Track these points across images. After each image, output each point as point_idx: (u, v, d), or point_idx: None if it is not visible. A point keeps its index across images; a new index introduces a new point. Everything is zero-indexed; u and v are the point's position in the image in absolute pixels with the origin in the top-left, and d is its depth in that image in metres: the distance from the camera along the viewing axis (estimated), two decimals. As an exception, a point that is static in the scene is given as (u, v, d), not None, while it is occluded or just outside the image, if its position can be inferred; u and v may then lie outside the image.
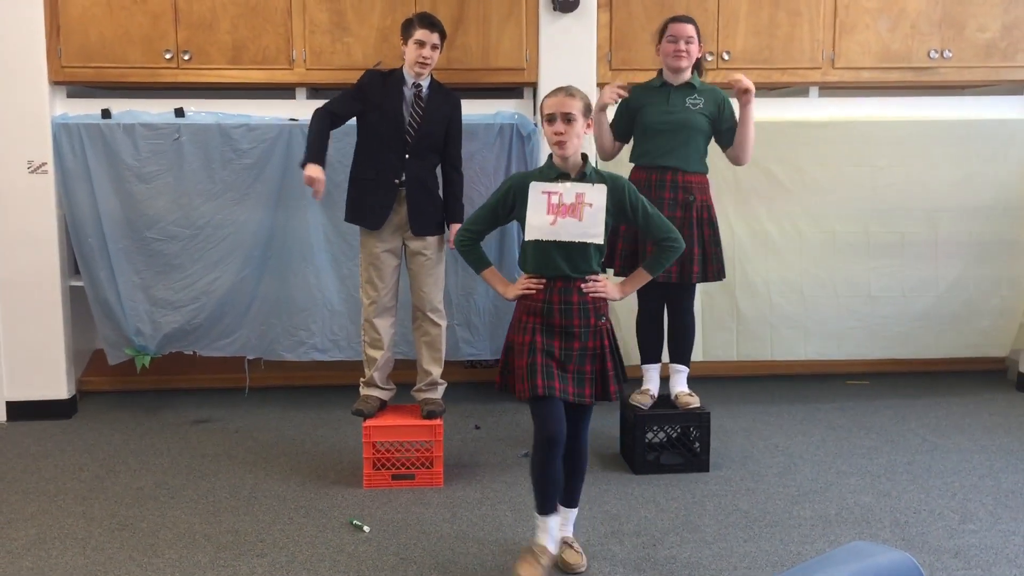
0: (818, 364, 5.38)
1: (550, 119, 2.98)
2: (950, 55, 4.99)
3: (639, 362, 4.22)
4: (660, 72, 4.05)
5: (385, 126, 3.95)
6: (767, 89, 5.18)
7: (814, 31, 4.91)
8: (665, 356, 4.20)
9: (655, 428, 4.11)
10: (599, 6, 4.80)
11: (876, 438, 4.49)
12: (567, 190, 2.99)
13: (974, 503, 3.70)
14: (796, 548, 3.31)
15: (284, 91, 4.83)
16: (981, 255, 5.15)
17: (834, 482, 3.93)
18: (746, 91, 3.88)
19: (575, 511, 3.24)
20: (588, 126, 3.04)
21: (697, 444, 4.08)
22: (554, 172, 3.03)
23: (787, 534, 3.43)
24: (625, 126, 4.10)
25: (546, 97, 3.03)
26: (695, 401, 4.09)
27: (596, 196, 2.99)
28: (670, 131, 3.93)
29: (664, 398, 4.16)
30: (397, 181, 3.93)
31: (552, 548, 3.10)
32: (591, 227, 2.97)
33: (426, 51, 3.93)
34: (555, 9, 4.73)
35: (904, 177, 5.06)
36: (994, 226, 5.14)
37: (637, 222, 3.10)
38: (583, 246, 2.99)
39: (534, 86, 4.87)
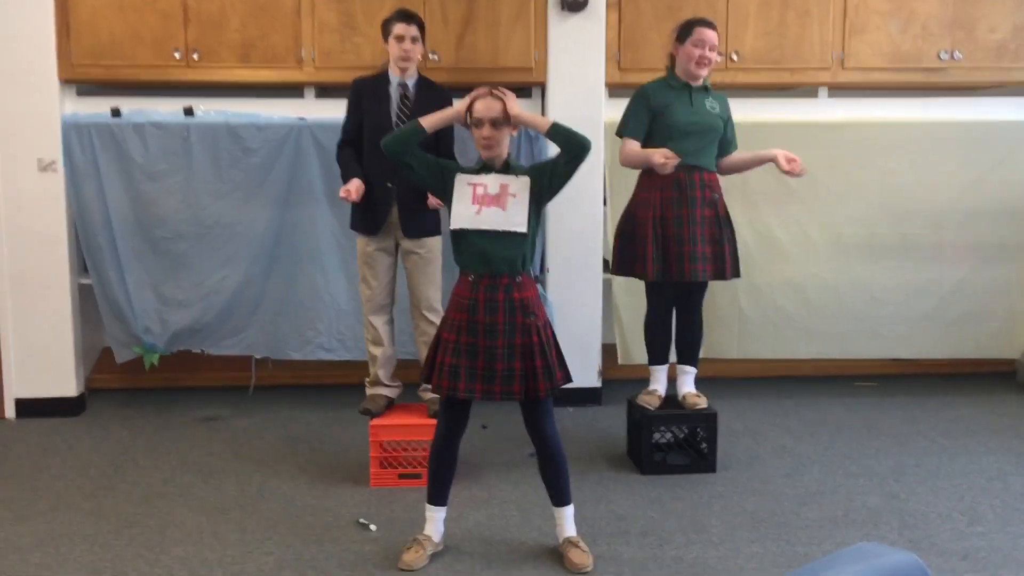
0: (826, 365, 5.36)
1: (477, 123, 3.07)
2: (960, 56, 4.97)
3: (647, 363, 4.22)
4: (670, 70, 4.02)
5: (375, 130, 3.93)
6: (777, 89, 5.18)
7: (824, 32, 4.90)
8: (672, 356, 4.19)
9: (662, 428, 4.10)
10: (608, 6, 4.80)
11: (884, 440, 4.47)
12: (491, 181, 3.07)
13: (983, 505, 3.69)
14: (803, 549, 3.30)
15: (293, 90, 4.84)
16: (988, 258, 5.13)
17: (842, 483, 3.92)
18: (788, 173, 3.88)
19: (570, 508, 3.23)
20: (515, 128, 3.12)
21: (704, 445, 4.07)
22: (479, 164, 3.13)
23: (794, 535, 3.42)
24: (644, 126, 3.97)
25: (473, 99, 3.09)
26: (702, 402, 4.09)
27: (520, 187, 3.06)
28: (698, 133, 3.92)
29: (671, 399, 4.15)
30: (389, 185, 3.93)
31: (437, 538, 3.24)
32: (514, 216, 3.03)
33: (406, 44, 3.93)
34: (564, 9, 4.73)
35: (912, 179, 5.04)
36: (1002, 229, 5.12)
37: (557, 165, 3.08)
38: (508, 239, 3.03)
39: (543, 86, 4.87)
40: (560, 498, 3.22)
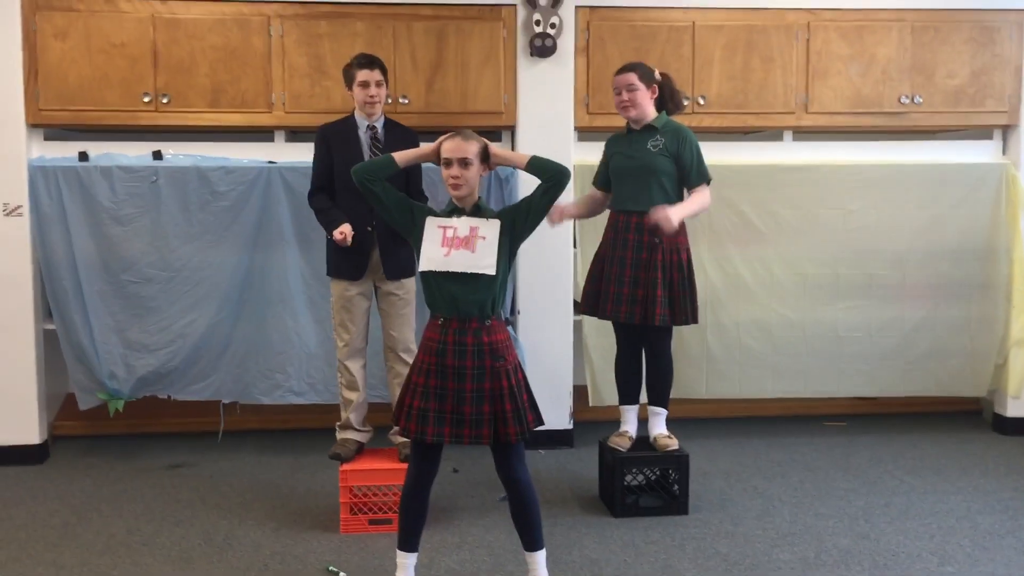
0: (795, 405, 5.39)
1: (447, 163, 3.08)
2: (920, 101, 5.08)
3: (618, 403, 4.22)
4: None
5: (348, 175, 3.94)
6: (742, 133, 5.26)
7: (787, 76, 4.99)
8: (643, 398, 4.20)
9: (634, 471, 4.09)
10: (576, 51, 4.86)
11: (854, 480, 4.49)
12: (461, 224, 3.09)
13: (952, 545, 3.71)
14: (776, 592, 3.30)
15: (263, 134, 4.84)
16: (949, 297, 5.21)
17: (813, 524, 3.93)
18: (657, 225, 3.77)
19: (542, 553, 3.17)
20: (484, 170, 3.14)
21: (676, 487, 4.07)
22: (449, 207, 3.14)
23: (767, 577, 3.41)
24: (602, 175, 4.18)
25: (444, 140, 3.11)
26: (674, 443, 4.09)
27: (489, 230, 3.07)
28: (632, 175, 3.98)
29: (643, 440, 4.15)
30: (369, 228, 3.94)
31: None
32: (483, 259, 3.04)
33: (372, 90, 3.97)
34: (532, 54, 4.79)
35: (874, 220, 5.13)
36: (962, 269, 5.20)
37: (532, 200, 3.11)
38: (477, 282, 3.04)
39: (512, 129, 4.92)
40: (532, 543, 3.18)
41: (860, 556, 3.60)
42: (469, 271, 3.03)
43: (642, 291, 3.92)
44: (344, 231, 3.84)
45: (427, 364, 3.08)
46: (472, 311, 3.05)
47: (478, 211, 3.12)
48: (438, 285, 3.07)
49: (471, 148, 3.08)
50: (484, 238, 3.06)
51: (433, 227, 3.09)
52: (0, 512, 4.06)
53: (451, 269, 3.04)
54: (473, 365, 3.04)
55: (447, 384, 3.05)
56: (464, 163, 3.06)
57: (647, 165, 3.95)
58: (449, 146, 3.08)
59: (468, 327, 3.05)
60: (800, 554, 3.62)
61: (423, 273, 3.09)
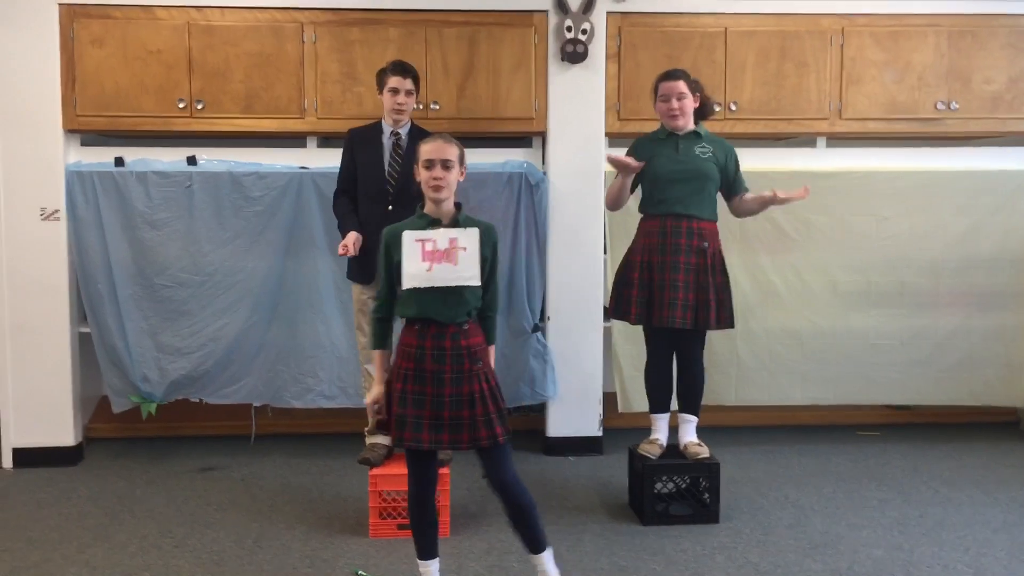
0: (827, 414, 5.34)
1: (428, 165, 3.03)
2: (956, 107, 5.02)
3: (647, 410, 4.20)
4: (663, 124, 4.08)
5: (368, 179, 4.01)
6: (775, 139, 5.22)
7: (821, 82, 4.95)
8: (674, 405, 4.17)
9: (664, 478, 4.07)
10: (607, 57, 4.86)
11: (888, 490, 4.43)
12: (440, 236, 3.02)
13: (988, 558, 3.64)
14: (808, 602, 3.26)
15: (295, 139, 4.88)
16: (983, 305, 5.14)
17: (845, 535, 3.88)
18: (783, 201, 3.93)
19: (548, 554, 3.09)
20: (462, 174, 3.11)
21: (707, 495, 4.04)
22: (426, 220, 3.07)
23: (798, 588, 3.38)
24: (636, 178, 4.10)
25: (423, 143, 3.09)
26: (704, 451, 4.06)
27: (469, 240, 3.02)
28: (684, 180, 3.96)
29: (673, 448, 4.13)
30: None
31: None
32: (466, 270, 3.00)
33: (400, 98, 3.99)
34: (564, 60, 4.79)
35: (908, 227, 5.07)
36: (998, 277, 5.13)
37: (482, 274, 3.07)
38: (458, 291, 3.01)
39: (543, 135, 4.92)
40: (535, 545, 3.08)
41: (893, 567, 3.55)
42: (453, 284, 3.00)
43: (693, 296, 3.92)
44: (347, 243, 3.89)
45: (405, 369, 3.04)
46: (452, 318, 3.02)
47: (455, 223, 3.06)
48: (419, 299, 3.01)
49: (452, 151, 3.05)
50: (464, 249, 3.01)
51: (411, 242, 3.02)
52: (34, 513, 4.11)
53: (435, 284, 2.99)
54: (452, 369, 3.01)
55: (425, 389, 3.01)
56: (446, 164, 3.02)
57: (701, 171, 3.96)
58: (429, 148, 3.04)
59: (446, 331, 3.01)
60: (832, 565, 3.57)
61: (405, 291, 3.03)
